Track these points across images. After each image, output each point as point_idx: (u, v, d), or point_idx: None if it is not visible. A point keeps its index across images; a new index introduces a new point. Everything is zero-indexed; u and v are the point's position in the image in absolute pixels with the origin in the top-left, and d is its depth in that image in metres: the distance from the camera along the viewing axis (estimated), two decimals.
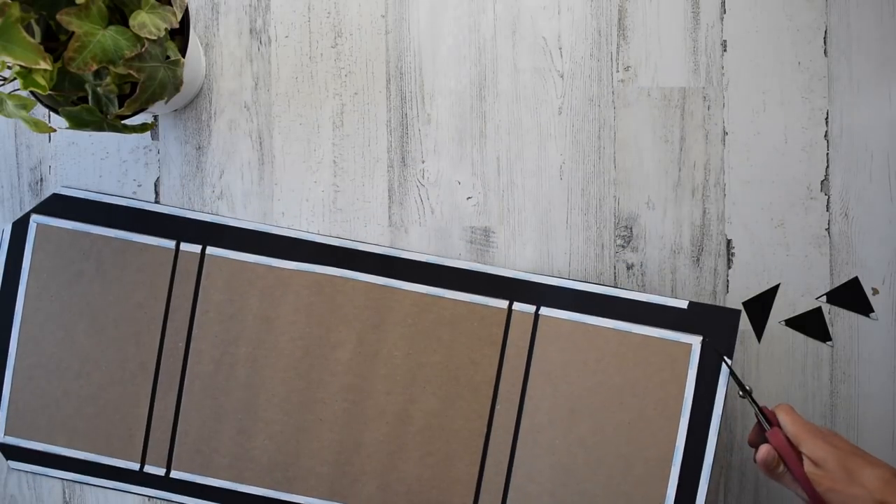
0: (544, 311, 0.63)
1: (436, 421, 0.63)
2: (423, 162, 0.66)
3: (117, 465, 0.65)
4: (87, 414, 0.65)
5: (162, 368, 0.64)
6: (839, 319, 0.66)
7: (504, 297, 0.63)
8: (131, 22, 0.49)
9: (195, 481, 0.64)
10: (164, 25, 0.50)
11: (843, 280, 0.66)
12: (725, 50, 0.66)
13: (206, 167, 0.66)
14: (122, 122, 0.54)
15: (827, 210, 0.66)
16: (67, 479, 0.65)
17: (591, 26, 0.66)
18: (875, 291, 0.66)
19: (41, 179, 0.67)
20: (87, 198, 0.65)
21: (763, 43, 0.66)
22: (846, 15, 0.66)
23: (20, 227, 0.65)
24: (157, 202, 0.66)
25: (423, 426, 0.63)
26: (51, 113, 0.61)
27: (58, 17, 0.46)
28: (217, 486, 0.64)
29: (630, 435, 0.61)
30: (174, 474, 0.64)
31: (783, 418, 0.56)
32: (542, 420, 0.62)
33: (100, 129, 0.52)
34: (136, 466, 0.65)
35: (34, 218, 0.65)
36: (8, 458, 0.65)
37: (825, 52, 0.66)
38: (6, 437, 0.65)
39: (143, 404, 0.64)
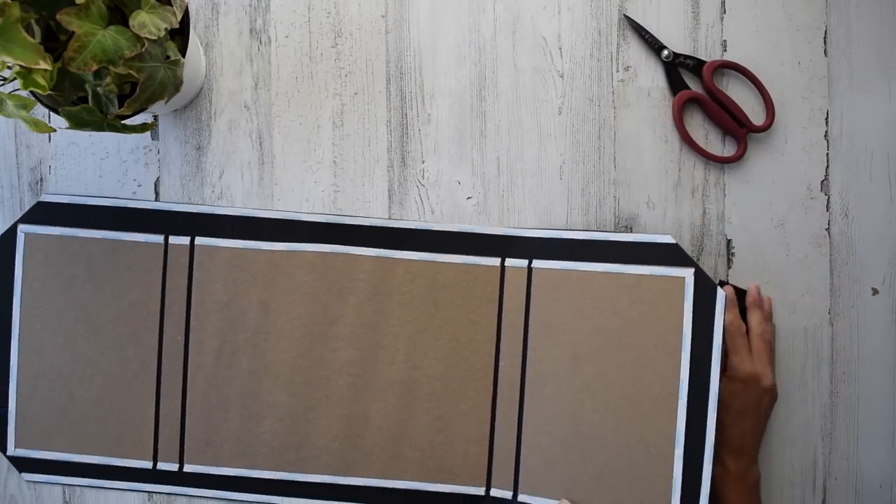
0: (536, 263, 0.63)
1: (441, 385, 0.63)
2: (423, 162, 0.66)
3: (130, 465, 0.65)
4: (95, 417, 0.65)
5: (164, 364, 0.64)
6: (839, 319, 0.66)
7: (496, 255, 0.64)
8: (131, 22, 0.49)
9: (209, 472, 0.64)
10: (164, 25, 0.50)
11: (843, 280, 0.66)
12: (725, 49, 0.66)
13: (206, 167, 0.66)
14: (122, 122, 0.54)
15: (827, 210, 0.66)
16: (83, 486, 0.65)
17: (591, 26, 0.66)
18: (875, 291, 0.66)
19: (41, 179, 0.67)
20: (71, 202, 0.65)
21: (763, 43, 0.66)
22: (846, 15, 0.66)
23: (8, 239, 0.65)
24: (157, 202, 0.66)
25: (429, 391, 0.63)
26: (51, 113, 0.61)
27: (58, 17, 0.46)
28: (231, 474, 0.64)
29: (634, 374, 0.61)
30: (187, 468, 0.64)
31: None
32: (546, 371, 0.62)
33: (100, 129, 0.52)
34: (148, 465, 0.65)
35: (21, 228, 0.65)
36: (21, 470, 0.65)
37: (825, 52, 0.66)
38: (17, 449, 0.65)
39: (148, 402, 0.64)
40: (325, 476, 0.64)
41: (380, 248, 0.64)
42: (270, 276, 0.64)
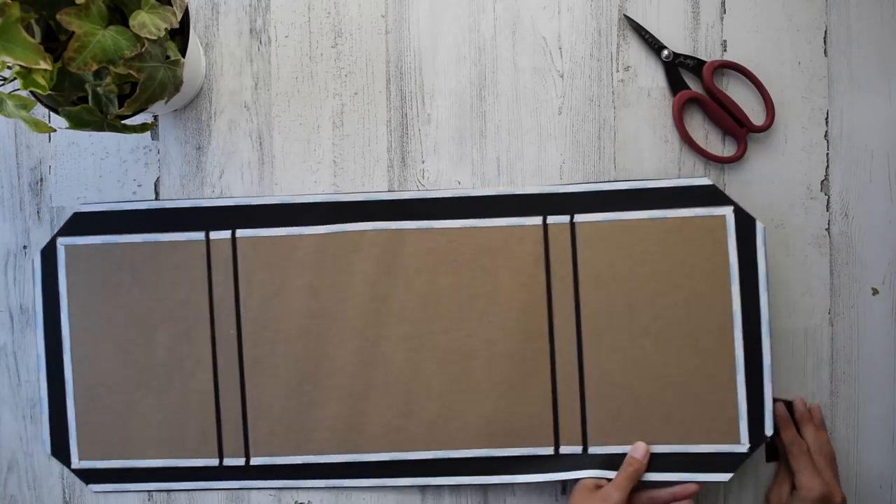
0: (578, 217, 0.63)
1: (499, 349, 0.64)
2: (423, 162, 0.66)
3: (197, 464, 0.65)
4: (156, 421, 0.64)
5: (219, 360, 0.64)
6: (839, 319, 0.66)
7: (537, 214, 0.64)
8: (131, 22, 0.49)
9: (276, 463, 0.64)
10: (164, 25, 0.50)
11: (843, 280, 0.66)
12: (725, 49, 0.66)
13: (206, 167, 0.66)
14: (122, 122, 0.54)
15: (827, 210, 0.66)
16: (152, 491, 0.65)
17: (591, 26, 0.66)
18: (875, 291, 0.66)
19: (41, 179, 0.67)
20: (108, 210, 0.65)
21: (763, 43, 0.66)
22: (846, 15, 0.66)
23: (49, 254, 0.65)
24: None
25: (487, 357, 0.64)
26: (51, 113, 0.61)
27: (58, 17, 0.46)
28: (298, 462, 0.64)
29: (688, 312, 0.63)
30: (254, 461, 0.64)
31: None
32: (601, 323, 0.63)
33: (100, 129, 0.52)
34: (215, 462, 0.65)
35: (60, 241, 0.65)
36: (88, 482, 0.65)
37: (825, 52, 0.66)
38: (82, 461, 0.65)
39: (208, 399, 0.64)
40: (394, 454, 0.64)
41: (421, 220, 0.64)
42: (317, 260, 0.64)
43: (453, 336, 0.64)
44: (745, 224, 0.62)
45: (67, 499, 0.66)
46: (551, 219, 0.64)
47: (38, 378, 0.65)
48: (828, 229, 0.66)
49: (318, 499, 0.66)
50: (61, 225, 0.65)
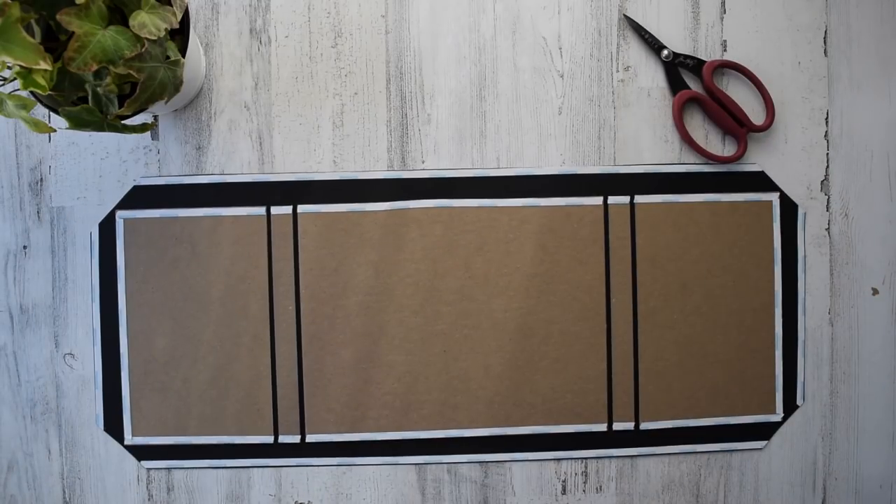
0: (638, 199, 0.65)
1: (556, 328, 0.65)
2: (423, 162, 0.66)
3: (252, 441, 0.65)
4: (212, 397, 0.65)
5: (276, 336, 0.65)
6: (839, 319, 0.66)
7: (598, 194, 0.65)
8: (131, 22, 0.49)
9: (332, 440, 0.65)
10: (164, 25, 0.50)
11: (843, 280, 0.66)
12: (725, 49, 0.66)
13: (206, 167, 0.66)
14: (122, 122, 0.54)
15: (827, 210, 0.66)
16: (204, 468, 0.65)
17: (591, 26, 0.66)
18: (875, 291, 0.66)
19: (41, 179, 0.67)
20: (167, 183, 0.65)
21: (763, 43, 0.66)
22: (846, 15, 0.66)
23: (107, 227, 0.65)
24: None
25: (544, 336, 0.65)
26: (51, 113, 0.61)
27: (58, 17, 0.46)
28: (355, 440, 0.65)
29: (735, 292, 0.65)
30: (309, 438, 0.65)
31: None
32: (656, 302, 0.65)
33: (100, 129, 0.52)
34: (270, 440, 0.65)
35: (119, 214, 0.65)
36: (140, 458, 0.65)
37: (825, 52, 0.66)
38: (135, 437, 0.65)
39: (264, 375, 0.64)
40: (449, 431, 0.65)
41: (482, 198, 0.64)
42: (378, 237, 0.64)
43: (512, 315, 0.65)
44: (789, 208, 0.65)
45: (67, 499, 0.66)
46: (612, 199, 0.65)
47: (93, 353, 0.65)
48: (828, 229, 0.66)
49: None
50: (118, 200, 0.65)
